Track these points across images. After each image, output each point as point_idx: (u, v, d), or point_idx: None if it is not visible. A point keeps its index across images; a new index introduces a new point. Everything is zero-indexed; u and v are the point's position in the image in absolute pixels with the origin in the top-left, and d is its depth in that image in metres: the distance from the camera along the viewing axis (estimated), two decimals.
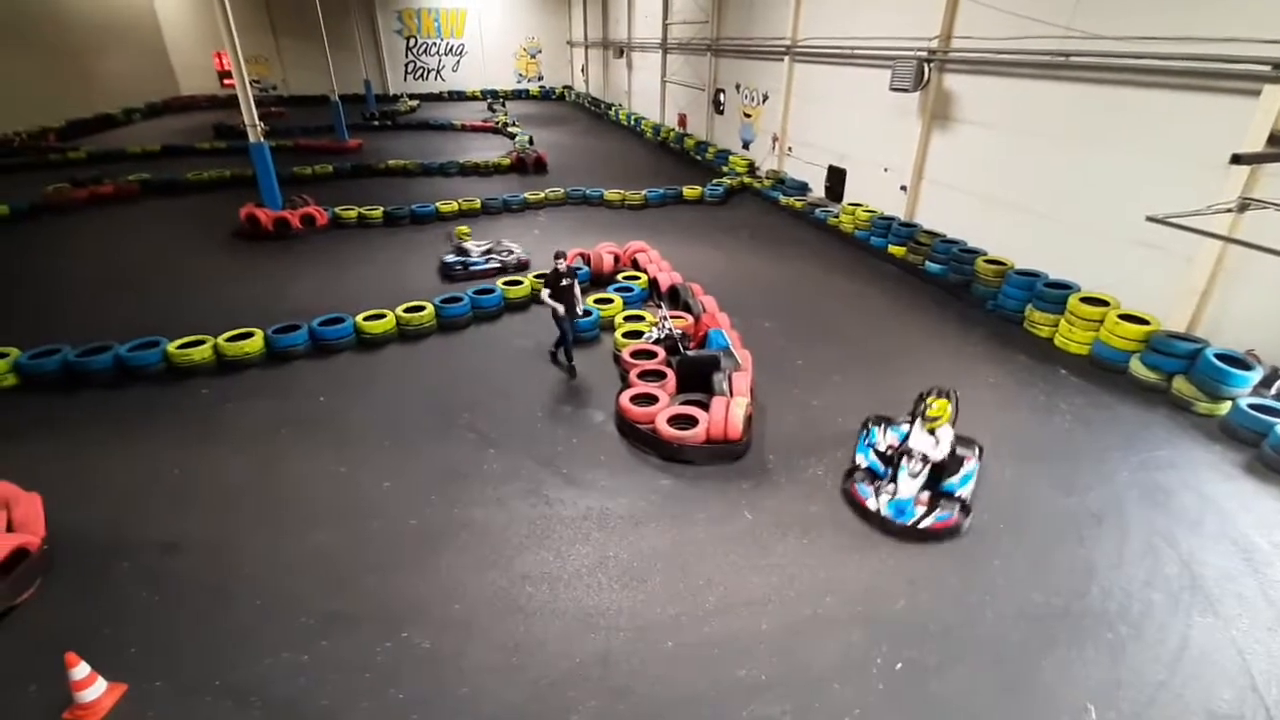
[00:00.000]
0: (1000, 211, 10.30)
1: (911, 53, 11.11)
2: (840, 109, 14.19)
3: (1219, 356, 6.83)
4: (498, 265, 11.00)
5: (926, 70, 10.99)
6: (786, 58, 15.68)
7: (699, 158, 20.31)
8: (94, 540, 5.26)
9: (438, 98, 36.96)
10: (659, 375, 7.07)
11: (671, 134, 22.79)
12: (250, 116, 12.42)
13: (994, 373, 7.90)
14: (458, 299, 9.09)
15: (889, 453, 5.76)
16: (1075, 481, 5.95)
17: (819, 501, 5.72)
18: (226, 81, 33.79)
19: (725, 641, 4.37)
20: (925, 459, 5.47)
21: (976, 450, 5.91)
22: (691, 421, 6.27)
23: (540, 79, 39.69)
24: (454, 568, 5.00)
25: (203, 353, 7.79)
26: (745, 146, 18.99)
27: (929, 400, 5.68)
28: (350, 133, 23.02)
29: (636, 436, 6.47)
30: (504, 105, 32.27)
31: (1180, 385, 7.08)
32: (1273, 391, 6.77)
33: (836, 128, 14.45)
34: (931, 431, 5.55)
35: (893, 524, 5.30)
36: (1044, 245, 9.46)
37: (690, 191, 15.83)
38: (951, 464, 5.53)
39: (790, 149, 16.50)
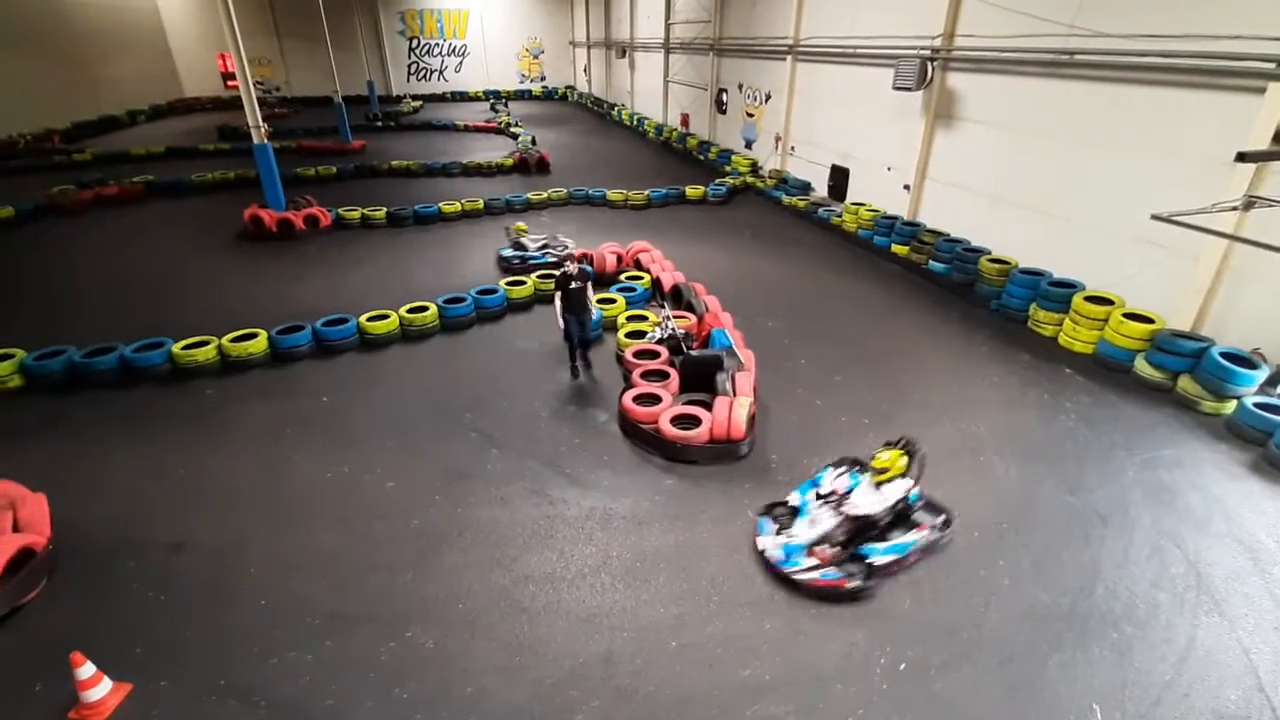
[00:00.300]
0: (1004, 210, 10.27)
1: (914, 51, 11.08)
2: (843, 108, 14.17)
3: (1224, 355, 6.80)
4: (554, 259, 11.06)
5: (929, 69, 10.96)
6: (789, 57, 15.66)
7: (702, 157, 20.30)
8: (99, 540, 5.28)
9: (441, 98, 37.03)
10: (662, 375, 7.07)
11: (674, 134, 22.79)
12: (254, 118, 12.46)
13: (998, 372, 7.88)
14: (461, 299, 9.10)
15: (831, 497, 5.11)
16: (1080, 481, 5.93)
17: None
18: (230, 83, 33.91)
19: (729, 641, 4.36)
20: (843, 512, 4.91)
21: (940, 520, 5.06)
22: (695, 421, 6.26)
23: (543, 79, 39.73)
24: (458, 568, 5.01)
25: (207, 353, 7.81)
26: (748, 146, 18.98)
27: (879, 451, 5.05)
28: (353, 134, 23.07)
29: (640, 437, 6.46)
30: (506, 106, 32.29)
31: (1185, 384, 7.05)
32: (1278, 390, 6.74)
33: (839, 127, 14.43)
34: (878, 485, 4.95)
35: (773, 567, 4.85)
36: (1048, 244, 9.43)
37: (693, 191, 15.82)
38: (898, 523, 4.94)
39: (793, 148, 16.48)
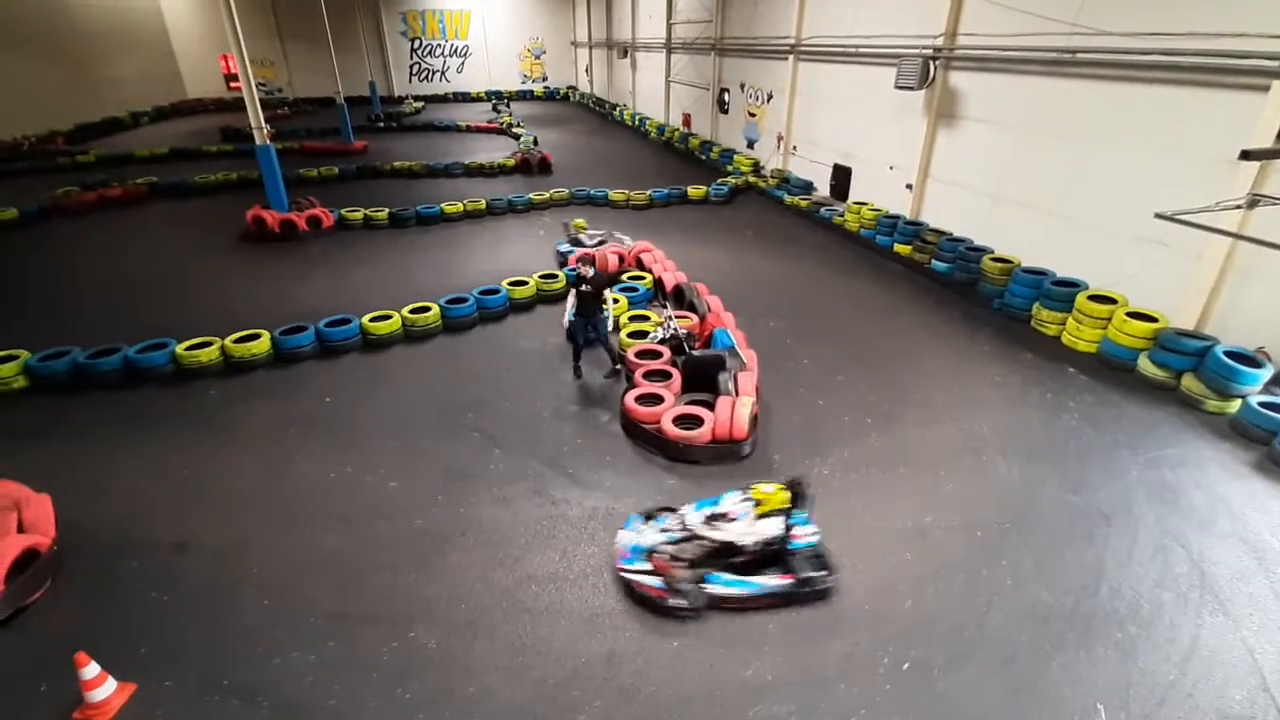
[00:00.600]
0: (1007, 209, 10.25)
1: (916, 51, 11.06)
2: (845, 108, 14.16)
3: (1228, 354, 6.78)
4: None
5: (931, 68, 10.94)
6: (791, 56, 15.65)
7: (703, 157, 20.30)
8: (103, 540, 5.30)
9: (443, 99, 37.08)
10: (664, 375, 7.07)
11: (676, 134, 22.79)
12: (256, 119, 12.49)
13: (1000, 371, 7.86)
14: (463, 299, 9.11)
15: (719, 519, 4.85)
16: (1084, 480, 5.91)
17: (824, 502, 5.67)
18: (233, 85, 34.03)
19: (731, 641, 4.36)
20: (704, 533, 4.75)
21: (822, 575, 4.59)
22: (697, 421, 6.26)
23: (544, 80, 39.75)
24: (460, 568, 5.01)
25: (210, 354, 7.83)
26: (750, 146, 18.97)
27: (760, 485, 4.89)
28: (356, 134, 23.11)
29: (642, 436, 6.46)
30: (508, 106, 32.33)
31: (1189, 383, 7.03)
32: None
33: (841, 126, 14.42)
34: (758, 517, 4.76)
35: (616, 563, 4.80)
36: (1051, 243, 9.41)
37: (695, 191, 15.82)
38: (776, 562, 4.70)
39: (795, 148, 16.47)
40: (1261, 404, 6.41)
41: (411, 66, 37.38)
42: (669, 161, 20.99)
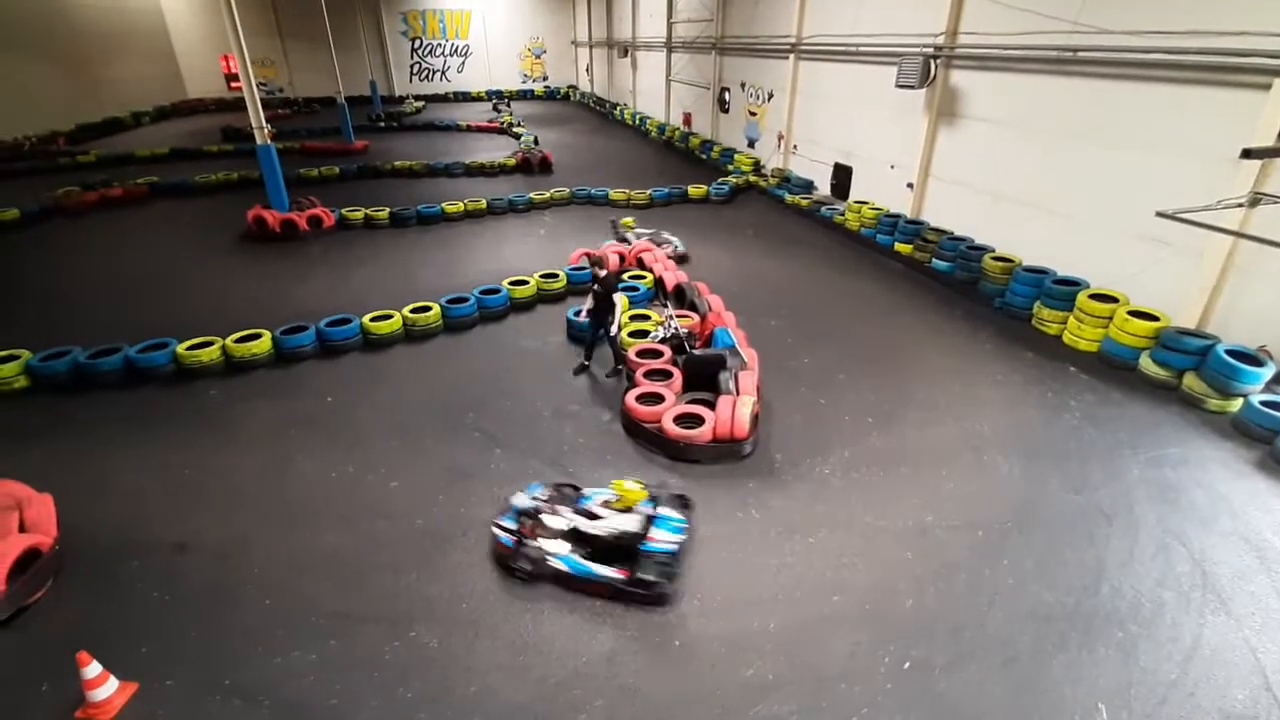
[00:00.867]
0: (1007, 208, 10.24)
1: (917, 49, 11.05)
2: (846, 106, 14.15)
3: (1230, 353, 6.77)
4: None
5: (932, 67, 10.93)
6: (791, 55, 15.64)
7: (704, 157, 20.28)
8: (105, 540, 5.30)
9: (443, 99, 37.09)
10: (665, 374, 7.07)
11: (676, 133, 22.78)
12: (257, 119, 12.48)
13: (1002, 370, 7.85)
14: (464, 299, 9.11)
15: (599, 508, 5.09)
16: (1085, 479, 5.91)
17: (826, 500, 5.70)
18: (234, 85, 34.05)
19: (732, 641, 4.36)
20: (560, 512, 4.98)
21: (655, 580, 4.58)
22: (698, 421, 6.26)
23: (545, 79, 39.74)
24: (462, 567, 5.01)
25: (211, 354, 7.83)
26: (750, 145, 18.95)
27: (624, 481, 5.10)
28: (356, 134, 23.11)
29: (643, 436, 6.46)
30: (509, 106, 32.32)
31: (1191, 382, 7.02)
32: None
33: (842, 125, 14.41)
34: (619, 511, 4.99)
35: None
36: (1052, 242, 9.40)
37: (695, 190, 15.81)
38: (631, 554, 4.75)
39: (795, 147, 16.46)
40: (1263, 403, 6.40)
41: (412, 66, 37.39)
42: (670, 161, 20.99)
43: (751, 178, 16.95)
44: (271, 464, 6.29)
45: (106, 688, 3.95)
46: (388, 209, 13.93)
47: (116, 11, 28.10)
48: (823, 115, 15.18)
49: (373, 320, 8.55)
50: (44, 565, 4.81)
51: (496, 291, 9.41)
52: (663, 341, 7.82)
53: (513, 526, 4.92)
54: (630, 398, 6.65)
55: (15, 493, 5.16)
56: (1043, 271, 9.00)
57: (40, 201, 14.74)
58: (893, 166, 12.69)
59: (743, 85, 18.99)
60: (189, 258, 12.23)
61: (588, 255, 10.65)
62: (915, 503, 5.65)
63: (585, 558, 4.80)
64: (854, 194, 14.16)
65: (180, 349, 7.81)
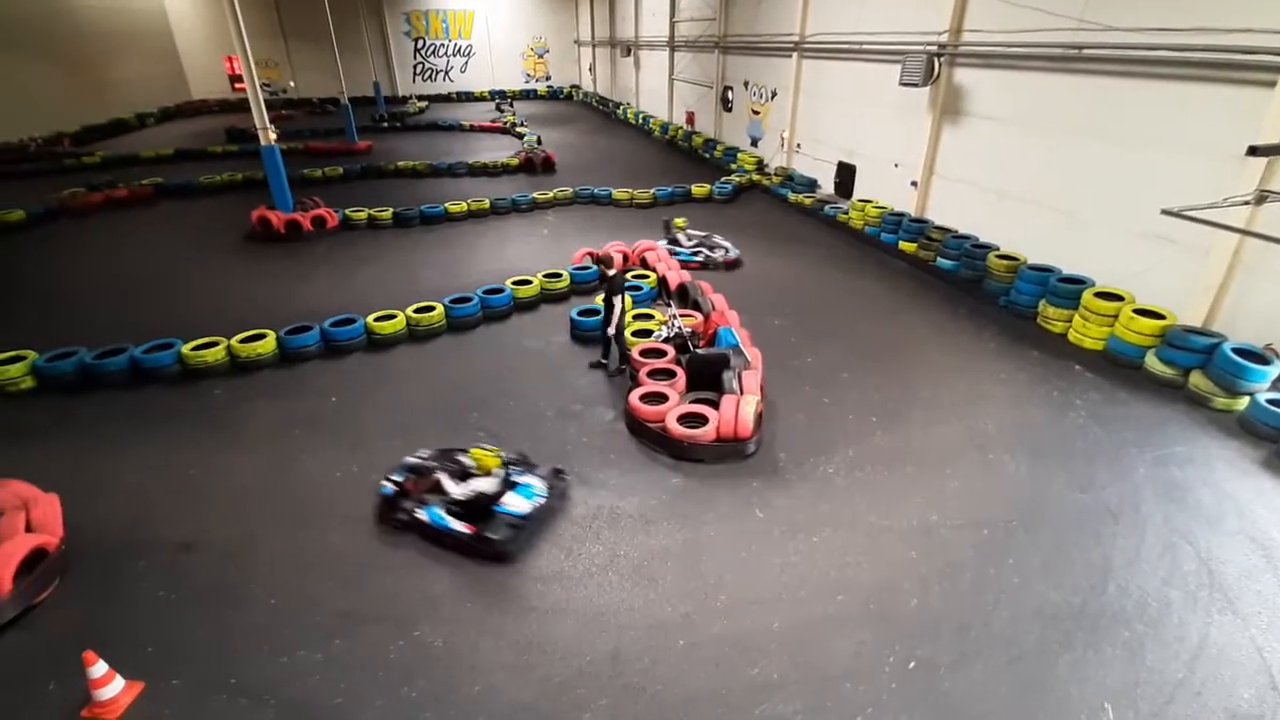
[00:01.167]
0: (1013, 206, 10.20)
1: (921, 47, 11.02)
2: (849, 105, 14.12)
3: (1236, 351, 6.73)
4: (701, 260, 11.06)
5: (936, 65, 10.90)
6: (795, 54, 15.61)
7: (707, 155, 20.26)
8: (110, 540, 5.32)
9: (446, 99, 37.12)
10: (669, 374, 7.06)
11: (679, 132, 22.76)
12: (261, 120, 12.51)
13: (1007, 369, 7.83)
14: (467, 299, 9.12)
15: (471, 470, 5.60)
16: (1091, 478, 5.88)
17: (830, 500, 5.69)
18: (238, 85, 34.14)
19: (737, 640, 4.35)
20: (432, 470, 5.56)
21: (498, 538, 4.98)
22: (701, 420, 6.26)
23: (548, 79, 39.74)
24: (465, 566, 5.02)
25: (216, 354, 7.85)
26: (753, 144, 18.93)
27: (479, 448, 5.71)
28: (360, 134, 23.14)
29: (646, 435, 6.46)
30: (512, 105, 32.34)
31: (1197, 380, 6.98)
32: None
33: (845, 124, 14.38)
34: (483, 474, 5.53)
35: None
36: (1057, 240, 9.36)
37: (699, 189, 15.80)
38: (478, 510, 5.24)
39: (799, 146, 16.43)
40: (1270, 401, 6.37)
41: (415, 66, 37.43)
42: (673, 160, 20.97)
43: (755, 176, 16.93)
44: (276, 464, 6.31)
45: (113, 687, 3.96)
46: (391, 209, 13.95)
47: (120, 12, 28.19)
48: (826, 114, 15.15)
49: (376, 320, 8.56)
50: (50, 565, 4.83)
51: (500, 291, 9.41)
52: (666, 341, 7.81)
53: (400, 479, 5.44)
54: (634, 397, 6.65)
55: (21, 493, 5.18)
56: (1048, 270, 8.97)
57: (46, 203, 14.79)
58: (896, 165, 12.66)
59: (746, 84, 18.96)
60: (194, 258, 12.27)
61: (591, 255, 10.64)
62: (920, 502, 5.63)
63: (450, 514, 5.19)
64: (858, 193, 14.13)
65: (185, 349, 7.83)
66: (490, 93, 37.78)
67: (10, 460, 6.23)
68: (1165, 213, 6.14)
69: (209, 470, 6.23)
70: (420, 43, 36.96)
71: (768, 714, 3.87)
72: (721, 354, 7.01)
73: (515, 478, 5.47)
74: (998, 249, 9.92)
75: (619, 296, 7.45)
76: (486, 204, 14.70)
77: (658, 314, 8.69)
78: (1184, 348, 7.09)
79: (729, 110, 20.43)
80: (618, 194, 15.47)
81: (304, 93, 35.07)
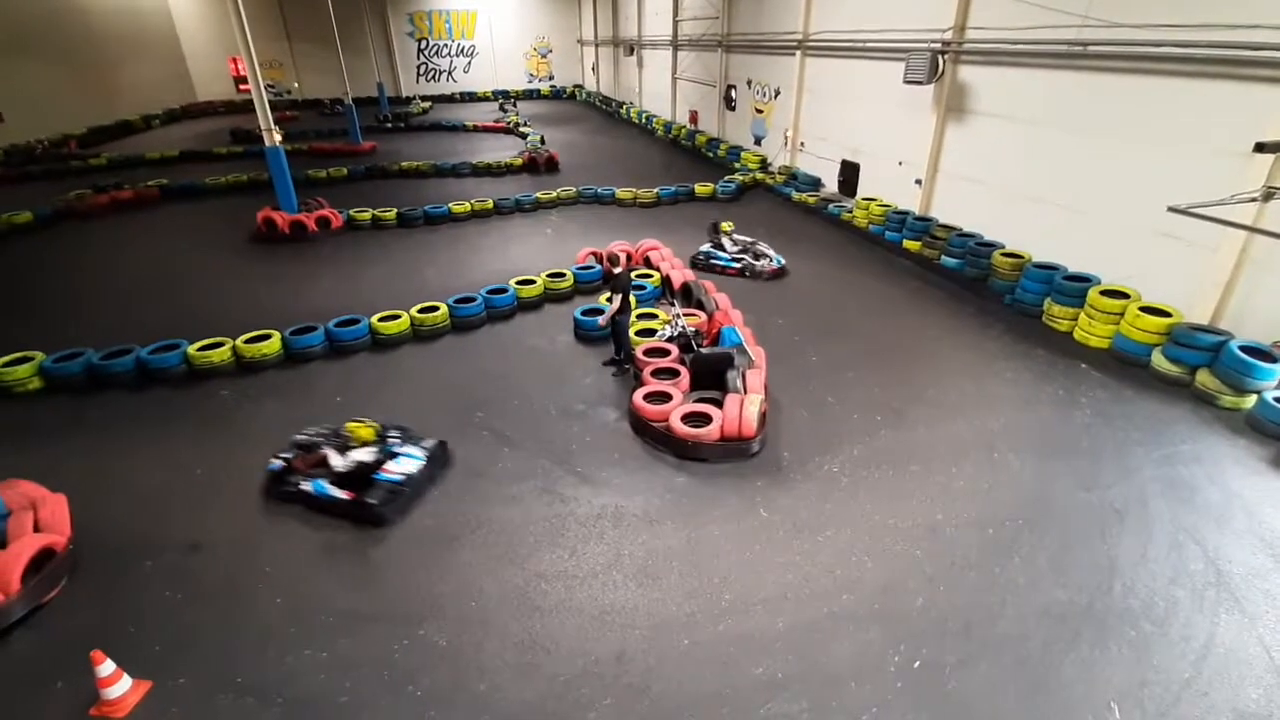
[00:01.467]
0: (1018, 204, 10.16)
1: (925, 45, 10.98)
2: (853, 103, 14.08)
3: (1244, 349, 6.69)
4: (740, 268, 10.80)
5: (940, 62, 10.86)
6: (798, 52, 15.58)
7: (710, 155, 20.24)
8: (118, 540, 5.35)
9: (450, 99, 37.16)
10: (673, 373, 7.06)
11: (683, 131, 22.74)
12: (265, 121, 12.55)
13: (1012, 367, 7.80)
14: (471, 299, 9.14)
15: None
16: (1097, 477, 5.86)
17: (835, 499, 5.68)
18: (242, 87, 34.27)
19: (741, 640, 4.35)
20: (317, 445, 5.91)
21: (372, 501, 5.42)
22: (705, 419, 6.25)
23: (551, 78, 39.76)
24: (471, 565, 5.03)
25: (222, 355, 7.89)
26: (757, 142, 18.90)
27: (353, 421, 5.97)
28: (364, 135, 23.20)
29: (651, 434, 6.46)
30: (515, 105, 32.37)
31: (1204, 378, 6.94)
32: None
33: (849, 122, 14.34)
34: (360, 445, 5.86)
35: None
36: (1063, 238, 9.32)
37: (702, 189, 15.78)
38: (359, 478, 5.61)
39: (802, 144, 16.40)
40: (1278, 399, 6.33)
41: (419, 67, 37.49)
42: (676, 159, 20.96)
43: (758, 175, 16.91)
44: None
45: (120, 685, 3.99)
46: (395, 209, 13.98)
47: (126, 15, 28.33)
48: (830, 112, 15.12)
49: (381, 320, 8.58)
50: (58, 565, 4.86)
51: (504, 291, 9.42)
52: (670, 340, 7.81)
53: (288, 456, 5.81)
54: (638, 396, 6.65)
55: (30, 493, 5.21)
56: (1053, 268, 8.93)
57: (53, 204, 14.88)
58: (901, 163, 12.62)
59: (749, 83, 18.93)
60: (199, 259, 12.31)
61: (595, 254, 10.65)
62: (925, 501, 5.62)
63: (334, 484, 5.54)
64: (862, 191, 14.09)
65: (191, 350, 7.87)
66: (493, 93, 37.82)
67: (18, 461, 6.27)
68: (1172, 210, 6.12)
69: (215, 470, 6.25)
70: (424, 43, 37.02)
71: (773, 713, 3.86)
72: (725, 353, 7.00)
73: (395, 448, 5.84)
74: (1003, 247, 9.89)
75: (621, 295, 7.43)
76: (490, 204, 14.72)
77: (661, 313, 8.68)
78: (1191, 345, 7.05)
79: (732, 109, 20.40)
80: (621, 193, 15.46)
81: (308, 94, 35.17)
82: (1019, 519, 5.39)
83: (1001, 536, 5.21)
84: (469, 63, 38.07)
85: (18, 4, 21.75)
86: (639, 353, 7.52)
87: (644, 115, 26.95)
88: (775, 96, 17.40)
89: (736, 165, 18.15)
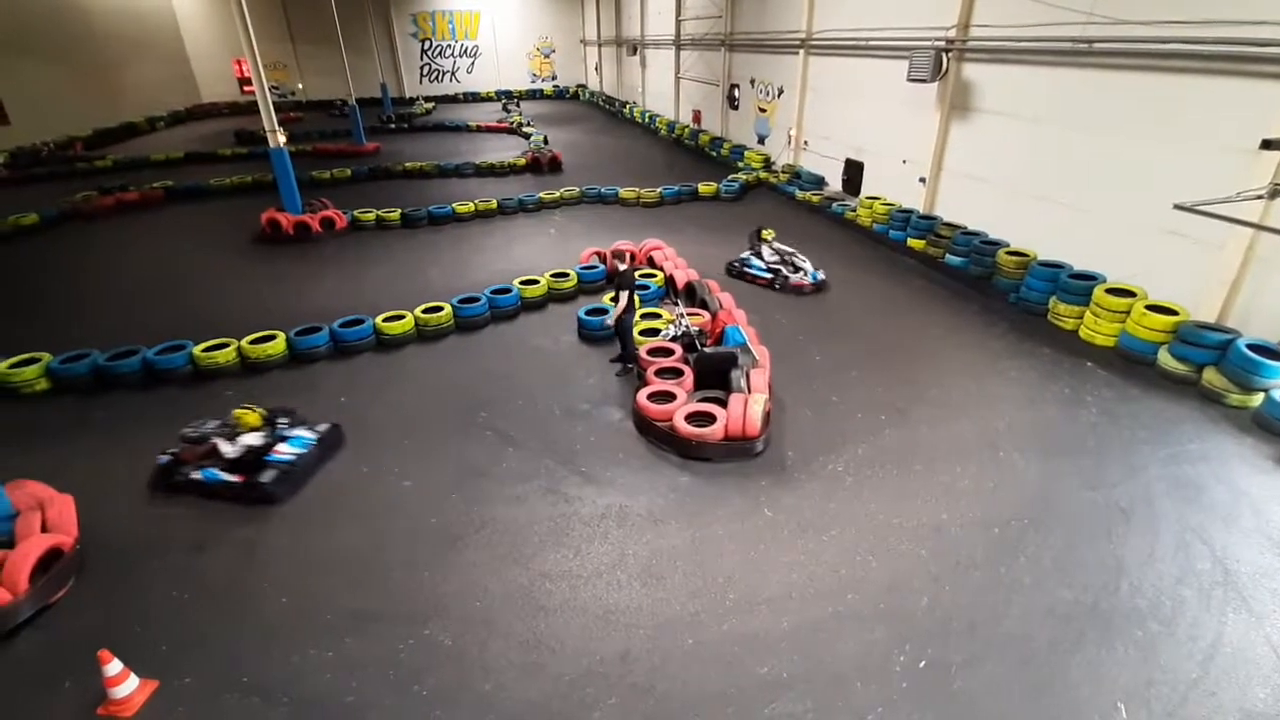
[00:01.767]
0: (1023, 202, 10.12)
1: (929, 42, 10.95)
2: (857, 101, 14.05)
3: (1251, 347, 6.66)
4: (770, 279, 10.33)
5: (945, 60, 10.83)
6: (801, 51, 15.55)
7: (714, 154, 20.23)
8: (123, 540, 5.38)
9: (453, 99, 37.21)
10: (676, 373, 7.06)
11: (686, 130, 22.72)
12: (270, 122, 12.59)
13: (1017, 366, 7.77)
14: (475, 299, 9.15)
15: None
16: (1102, 476, 5.84)
17: (839, 498, 5.67)
18: (246, 88, 34.38)
19: (746, 639, 4.35)
20: (208, 435, 6.05)
21: (263, 480, 5.73)
22: (709, 419, 6.25)
23: (554, 78, 39.78)
24: (475, 565, 5.04)
25: (227, 355, 7.92)
26: (761, 141, 18.88)
27: (241, 408, 6.19)
28: (368, 136, 23.24)
29: (655, 434, 6.46)
30: (519, 106, 32.39)
31: (1210, 377, 6.91)
32: None
33: (853, 120, 14.31)
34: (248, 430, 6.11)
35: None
36: (1068, 236, 9.28)
37: (705, 188, 15.77)
38: (251, 463, 5.89)
39: (806, 143, 16.37)
40: None
41: (422, 67, 37.53)
42: (679, 158, 20.96)
43: (762, 174, 16.89)
44: None
45: (127, 685, 4.00)
46: (399, 210, 14.01)
47: (131, 17, 28.45)
48: (833, 111, 15.09)
49: (385, 321, 8.60)
50: (65, 565, 4.89)
51: (508, 291, 9.43)
52: (673, 340, 7.81)
53: (175, 451, 6.01)
54: (641, 396, 6.65)
55: (37, 493, 5.24)
56: (1059, 266, 8.89)
57: (58, 206, 14.95)
58: (905, 161, 12.58)
59: (752, 81, 18.91)
60: (203, 260, 12.35)
61: (598, 254, 10.65)
62: (930, 500, 5.61)
63: (225, 471, 5.79)
64: (866, 190, 14.06)
65: (196, 351, 7.90)
66: (496, 93, 37.85)
67: (25, 461, 6.30)
68: (1178, 208, 6.09)
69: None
70: (427, 44, 37.07)
71: (778, 712, 3.86)
72: (729, 352, 6.99)
73: (285, 432, 6.20)
74: (1007, 245, 9.86)
75: (626, 294, 7.44)
76: (494, 204, 14.74)
77: (665, 313, 8.68)
78: (1197, 344, 7.02)
79: (735, 108, 20.38)
80: (624, 193, 15.46)
81: (311, 95, 35.23)
82: (1024, 518, 5.37)
83: (1006, 536, 5.20)
84: (472, 63, 38.11)
85: (21, 4, 21.86)
86: (643, 352, 7.53)
87: (647, 115, 26.94)
88: (778, 95, 17.38)
89: (740, 164, 18.14)
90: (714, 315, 8.32)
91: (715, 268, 10.86)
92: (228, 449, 5.87)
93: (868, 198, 13.20)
